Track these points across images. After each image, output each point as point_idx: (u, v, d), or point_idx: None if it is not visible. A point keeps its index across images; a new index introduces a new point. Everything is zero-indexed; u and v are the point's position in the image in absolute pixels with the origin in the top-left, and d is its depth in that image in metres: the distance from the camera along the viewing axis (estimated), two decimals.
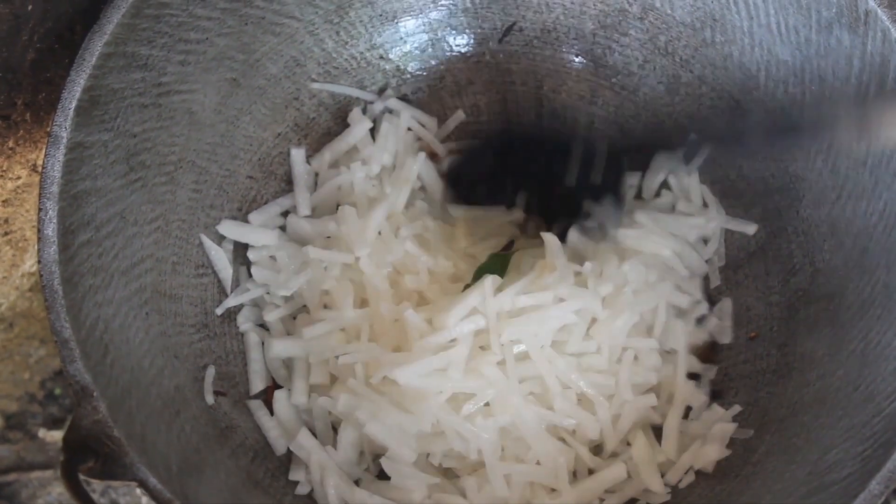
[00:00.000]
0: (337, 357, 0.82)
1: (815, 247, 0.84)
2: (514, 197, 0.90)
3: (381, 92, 0.94)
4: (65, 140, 0.71)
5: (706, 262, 0.91)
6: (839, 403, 0.76)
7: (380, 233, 0.86)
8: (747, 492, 0.77)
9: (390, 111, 0.93)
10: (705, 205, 0.91)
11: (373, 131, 0.92)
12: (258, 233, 0.87)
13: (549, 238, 0.84)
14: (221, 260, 0.86)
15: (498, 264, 0.85)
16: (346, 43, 0.90)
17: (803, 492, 0.73)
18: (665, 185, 0.92)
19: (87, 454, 0.67)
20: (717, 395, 0.87)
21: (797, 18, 0.79)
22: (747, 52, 0.85)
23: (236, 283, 0.87)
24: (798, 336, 0.84)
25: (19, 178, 0.85)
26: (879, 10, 0.74)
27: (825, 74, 0.80)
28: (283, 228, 0.90)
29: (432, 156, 0.93)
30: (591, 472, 0.82)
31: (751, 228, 0.89)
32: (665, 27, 0.88)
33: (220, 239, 0.86)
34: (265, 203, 0.90)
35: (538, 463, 0.81)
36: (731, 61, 0.86)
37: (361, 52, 0.92)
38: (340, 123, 0.93)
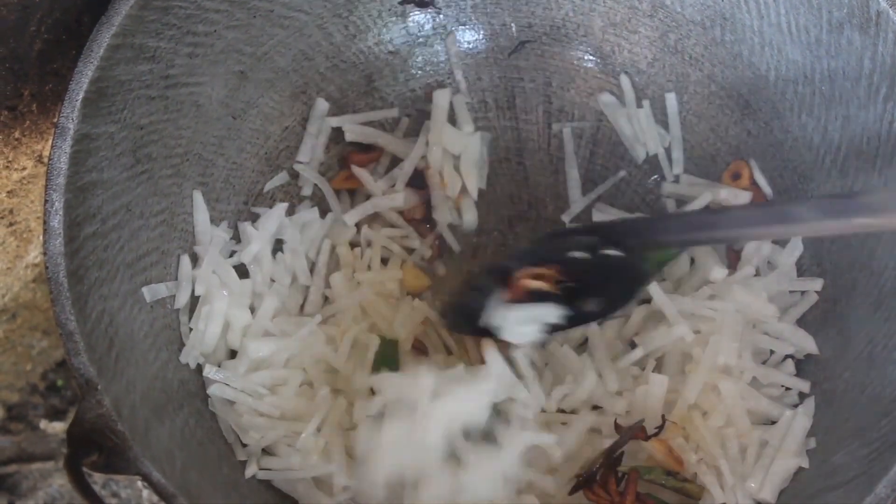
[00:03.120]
0: None
1: (823, 248, 0.84)
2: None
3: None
4: (71, 131, 0.71)
5: None
6: (845, 405, 0.76)
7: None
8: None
9: None
10: None
11: None
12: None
13: None
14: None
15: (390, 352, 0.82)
16: (355, 37, 0.90)
17: (809, 493, 0.73)
18: None
19: (91, 448, 0.66)
20: None
21: (808, 18, 0.79)
22: (757, 52, 0.84)
23: None
24: None
25: (25, 168, 0.85)
26: (891, 11, 0.74)
27: (835, 75, 0.79)
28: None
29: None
30: None
31: None
32: (675, 25, 0.88)
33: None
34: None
35: None
36: (741, 60, 0.86)
37: (370, 47, 0.91)
38: None
